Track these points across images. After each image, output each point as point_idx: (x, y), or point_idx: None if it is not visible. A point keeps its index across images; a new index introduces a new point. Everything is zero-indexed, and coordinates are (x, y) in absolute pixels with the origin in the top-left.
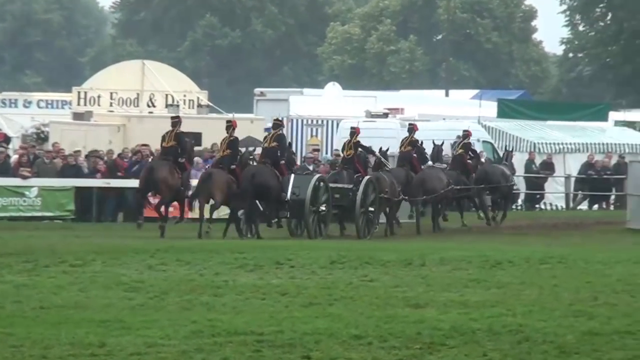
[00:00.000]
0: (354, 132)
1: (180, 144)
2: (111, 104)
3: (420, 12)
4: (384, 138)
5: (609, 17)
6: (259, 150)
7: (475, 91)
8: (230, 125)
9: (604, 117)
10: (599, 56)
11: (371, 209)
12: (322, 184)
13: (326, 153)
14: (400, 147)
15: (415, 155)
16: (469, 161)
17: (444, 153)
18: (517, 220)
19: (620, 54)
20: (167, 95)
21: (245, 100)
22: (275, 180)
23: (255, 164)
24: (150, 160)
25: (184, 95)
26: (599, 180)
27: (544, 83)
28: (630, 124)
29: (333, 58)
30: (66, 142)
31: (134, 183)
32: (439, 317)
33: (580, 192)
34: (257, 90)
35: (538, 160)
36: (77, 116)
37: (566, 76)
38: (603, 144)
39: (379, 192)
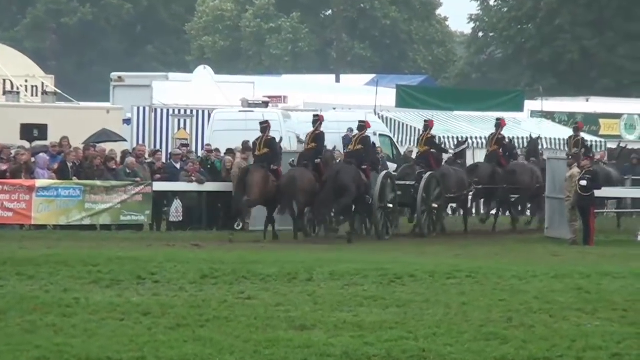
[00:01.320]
0: (428, 125)
1: (272, 151)
2: None
3: None
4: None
5: None
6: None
7: (371, 76)
8: (318, 120)
9: (518, 107)
10: (513, 37)
11: (435, 205)
12: (389, 180)
13: (196, 148)
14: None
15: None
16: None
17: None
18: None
19: (537, 35)
20: (4, 80)
21: (100, 86)
22: (360, 181)
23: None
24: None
25: (26, 81)
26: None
27: (449, 67)
28: (549, 115)
29: (204, 37)
30: None
31: None
32: (329, 341)
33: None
34: (114, 74)
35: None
36: None
37: (475, 59)
38: (518, 138)
39: (444, 189)
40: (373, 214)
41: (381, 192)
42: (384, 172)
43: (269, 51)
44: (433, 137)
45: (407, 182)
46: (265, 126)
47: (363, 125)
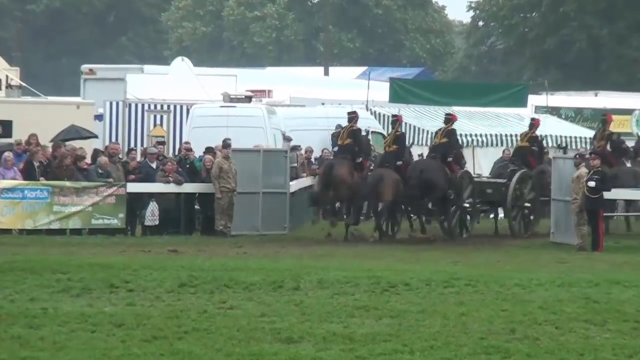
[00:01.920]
0: (533, 124)
1: (356, 142)
2: None
3: None
4: (247, 127)
5: None
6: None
7: (362, 69)
8: (396, 120)
9: (521, 102)
10: (516, 26)
11: (527, 205)
12: (467, 179)
13: (173, 147)
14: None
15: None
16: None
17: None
18: (414, 231)
19: (542, 23)
20: None
21: (70, 79)
22: (444, 177)
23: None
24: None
25: None
26: None
27: (448, 59)
28: (554, 111)
29: (182, 26)
30: None
31: None
32: (317, 354)
33: None
34: (85, 67)
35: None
36: None
37: (475, 50)
38: (521, 135)
39: (540, 188)
40: (450, 212)
41: (459, 190)
42: (461, 171)
43: (252, 41)
44: (537, 136)
45: (499, 180)
46: (352, 116)
47: (449, 119)
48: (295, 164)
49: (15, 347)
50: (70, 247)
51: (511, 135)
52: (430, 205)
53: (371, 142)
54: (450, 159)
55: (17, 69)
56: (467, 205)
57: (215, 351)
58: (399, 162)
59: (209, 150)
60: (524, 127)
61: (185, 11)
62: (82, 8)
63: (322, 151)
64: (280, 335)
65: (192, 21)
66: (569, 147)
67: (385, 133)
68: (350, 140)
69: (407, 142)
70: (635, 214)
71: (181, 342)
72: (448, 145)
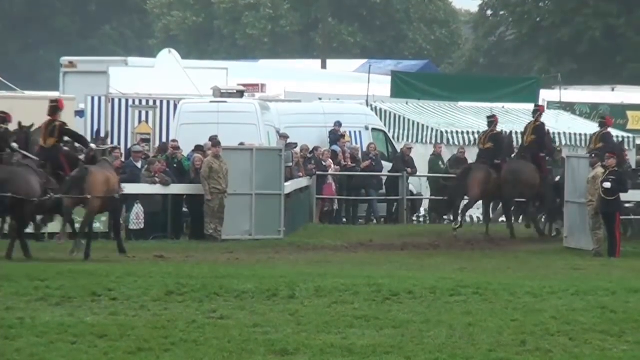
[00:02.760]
0: (538, 110)
1: (497, 145)
2: None
3: None
4: (239, 124)
5: None
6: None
7: (362, 61)
8: (493, 120)
9: (533, 97)
10: (528, 15)
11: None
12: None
13: (159, 143)
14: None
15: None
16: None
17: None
18: (418, 237)
19: (557, 12)
20: None
21: (48, 73)
22: (537, 177)
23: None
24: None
25: None
26: None
27: (454, 51)
28: (568, 106)
29: (170, 15)
30: None
31: None
32: None
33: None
34: (65, 59)
35: (447, 156)
36: None
37: (483, 42)
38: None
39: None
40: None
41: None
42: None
43: (245, 32)
44: (610, 134)
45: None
46: (492, 120)
47: (537, 110)
48: (291, 164)
49: None
50: (48, 252)
51: (521, 133)
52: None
53: (371, 141)
54: (542, 155)
55: None
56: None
57: None
58: (497, 161)
59: (198, 148)
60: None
61: None
62: None
63: (458, 150)
64: (275, 347)
65: (182, 10)
66: (583, 146)
67: (386, 130)
68: (490, 144)
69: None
70: None
71: (168, 354)
72: (539, 142)
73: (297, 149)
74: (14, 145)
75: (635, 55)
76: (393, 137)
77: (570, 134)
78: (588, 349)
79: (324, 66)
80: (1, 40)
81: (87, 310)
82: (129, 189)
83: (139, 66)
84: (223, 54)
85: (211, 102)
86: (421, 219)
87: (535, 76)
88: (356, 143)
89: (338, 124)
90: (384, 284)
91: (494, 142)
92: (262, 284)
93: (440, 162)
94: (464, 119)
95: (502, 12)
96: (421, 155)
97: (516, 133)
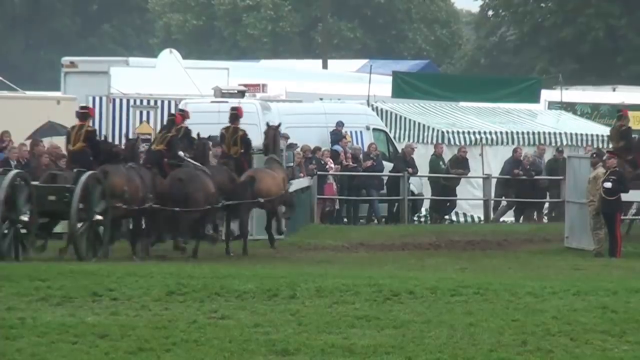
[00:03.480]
0: (622, 115)
1: (627, 142)
2: None
3: None
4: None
5: None
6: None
7: (363, 61)
8: (622, 115)
9: (534, 97)
10: (530, 15)
11: None
12: None
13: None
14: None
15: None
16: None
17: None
18: (419, 237)
19: (559, 12)
20: None
21: (49, 73)
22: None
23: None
24: None
25: None
26: (528, 182)
27: (455, 51)
28: (569, 107)
29: (170, 15)
30: None
31: None
32: None
33: (503, 198)
34: (66, 59)
35: (448, 156)
36: None
37: (484, 42)
38: (534, 133)
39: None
40: None
41: None
42: None
43: (245, 32)
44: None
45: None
46: (621, 114)
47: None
48: (292, 164)
49: None
50: (50, 252)
51: (523, 133)
52: None
53: (372, 141)
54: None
55: None
56: None
57: None
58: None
59: None
60: (536, 125)
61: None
62: None
63: (459, 150)
64: (275, 347)
65: (182, 12)
66: (585, 145)
67: (387, 130)
68: (622, 142)
69: None
70: None
71: (169, 354)
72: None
73: (299, 149)
74: (181, 153)
75: (636, 56)
76: (394, 137)
77: (571, 134)
78: (589, 349)
79: (324, 66)
80: (2, 40)
81: (88, 310)
82: None
83: (140, 66)
84: (224, 54)
85: (212, 102)
86: (422, 219)
87: (537, 76)
88: (357, 143)
89: (340, 124)
90: (384, 284)
91: (624, 139)
92: (263, 284)
93: (441, 162)
94: (464, 119)
95: (502, 12)
96: (422, 156)
97: (520, 134)
